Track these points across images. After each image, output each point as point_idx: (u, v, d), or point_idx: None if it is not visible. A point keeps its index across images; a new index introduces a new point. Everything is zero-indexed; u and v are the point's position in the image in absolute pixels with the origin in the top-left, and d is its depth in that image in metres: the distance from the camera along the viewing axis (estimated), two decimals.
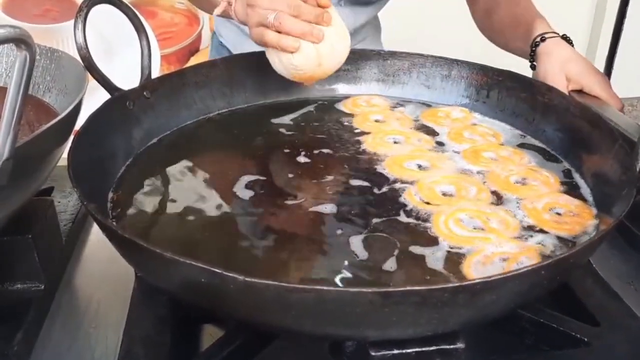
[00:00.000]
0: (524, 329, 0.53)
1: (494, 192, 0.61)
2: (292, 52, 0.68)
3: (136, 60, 0.72)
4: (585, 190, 0.63)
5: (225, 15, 0.77)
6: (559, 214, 0.58)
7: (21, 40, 0.39)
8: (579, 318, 0.53)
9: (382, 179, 0.65)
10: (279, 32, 0.67)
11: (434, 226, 0.56)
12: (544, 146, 0.71)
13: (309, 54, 0.69)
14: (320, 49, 0.69)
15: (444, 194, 0.61)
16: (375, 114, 0.79)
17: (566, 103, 0.70)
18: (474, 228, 0.56)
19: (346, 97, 0.84)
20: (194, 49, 1.87)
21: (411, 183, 0.63)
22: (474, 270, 0.50)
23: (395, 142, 0.72)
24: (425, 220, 0.57)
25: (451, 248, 0.54)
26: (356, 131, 0.75)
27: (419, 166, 0.66)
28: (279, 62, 0.71)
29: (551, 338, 0.52)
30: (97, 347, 0.55)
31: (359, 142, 0.73)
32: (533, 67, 0.88)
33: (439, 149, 0.71)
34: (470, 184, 0.62)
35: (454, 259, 0.52)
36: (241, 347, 0.52)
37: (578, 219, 0.57)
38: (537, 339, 0.52)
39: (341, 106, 0.82)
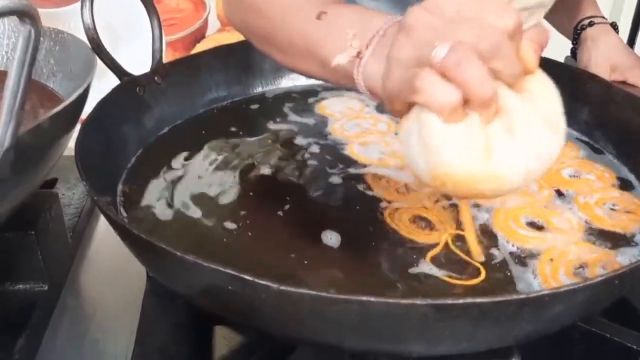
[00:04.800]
0: (573, 338, 0.48)
1: (556, 190, 0.57)
2: (448, 121, 0.37)
3: (142, 50, 0.67)
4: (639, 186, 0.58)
5: (336, 79, 0.47)
6: (613, 209, 0.55)
7: (25, 13, 0.34)
8: (634, 327, 0.48)
9: None
10: (446, 78, 0.36)
11: (494, 223, 0.52)
12: (586, 139, 0.66)
13: (472, 135, 0.38)
14: (493, 133, 0.38)
15: None
16: None
17: (611, 93, 0.65)
18: (536, 227, 0.52)
19: None
20: (200, 35, 1.81)
21: None
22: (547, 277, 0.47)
23: None
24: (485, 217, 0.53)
25: (515, 249, 0.50)
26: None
27: None
28: (417, 140, 0.39)
29: (604, 349, 0.47)
30: (105, 356, 0.50)
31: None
32: (574, 50, 0.84)
33: None
34: None
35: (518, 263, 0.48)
36: (263, 357, 0.47)
37: (634, 216, 0.54)
38: (588, 350, 0.48)
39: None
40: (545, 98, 0.40)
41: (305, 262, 0.48)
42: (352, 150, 0.63)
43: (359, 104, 0.73)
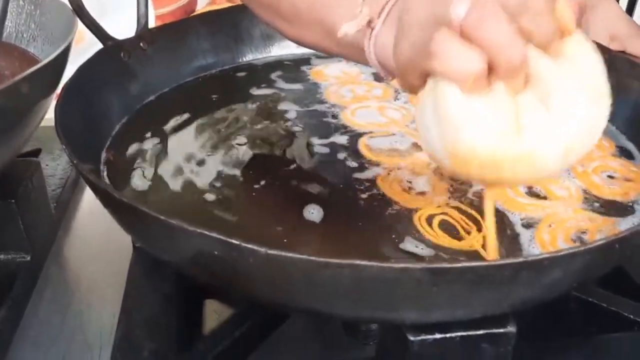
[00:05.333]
0: (570, 308, 0.47)
1: None
2: (470, 92, 0.32)
3: (129, 26, 0.64)
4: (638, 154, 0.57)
5: (345, 51, 0.42)
6: (611, 178, 0.54)
7: None
8: (632, 297, 0.48)
9: None
10: (468, 40, 0.31)
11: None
12: None
13: (500, 108, 0.33)
14: (524, 106, 0.33)
15: None
16: None
17: (611, 60, 0.62)
18: (534, 195, 0.51)
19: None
20: (190, 9, 1.77)
21: None
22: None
23: None
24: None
25: (513, 217, 0.48)
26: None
27: None
28: (433, 117, 0.34)
29: (601, 320, 0.47)
30: (90, 328, 0.49)
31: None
32: None
33: None
34: None
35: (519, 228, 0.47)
36: (254, 327, 0.46)
37: (633, 184, 0.52)
38: (585, 319, 0.47)
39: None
40: (585, 63, 0.33)
41: (285, 240, 0.46)
42: (346, 116, 0.61)
43: (356, 69, 0.71)
